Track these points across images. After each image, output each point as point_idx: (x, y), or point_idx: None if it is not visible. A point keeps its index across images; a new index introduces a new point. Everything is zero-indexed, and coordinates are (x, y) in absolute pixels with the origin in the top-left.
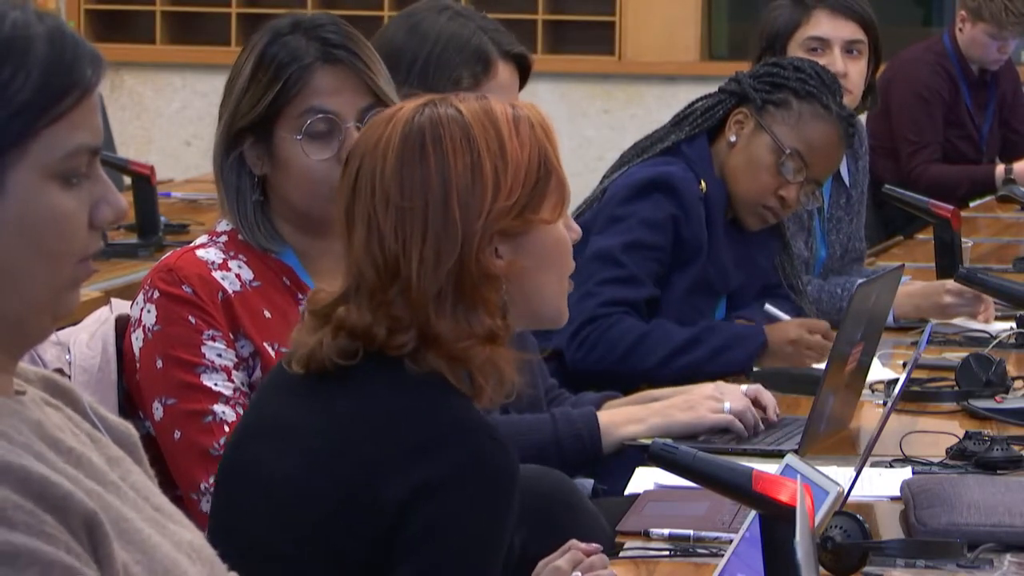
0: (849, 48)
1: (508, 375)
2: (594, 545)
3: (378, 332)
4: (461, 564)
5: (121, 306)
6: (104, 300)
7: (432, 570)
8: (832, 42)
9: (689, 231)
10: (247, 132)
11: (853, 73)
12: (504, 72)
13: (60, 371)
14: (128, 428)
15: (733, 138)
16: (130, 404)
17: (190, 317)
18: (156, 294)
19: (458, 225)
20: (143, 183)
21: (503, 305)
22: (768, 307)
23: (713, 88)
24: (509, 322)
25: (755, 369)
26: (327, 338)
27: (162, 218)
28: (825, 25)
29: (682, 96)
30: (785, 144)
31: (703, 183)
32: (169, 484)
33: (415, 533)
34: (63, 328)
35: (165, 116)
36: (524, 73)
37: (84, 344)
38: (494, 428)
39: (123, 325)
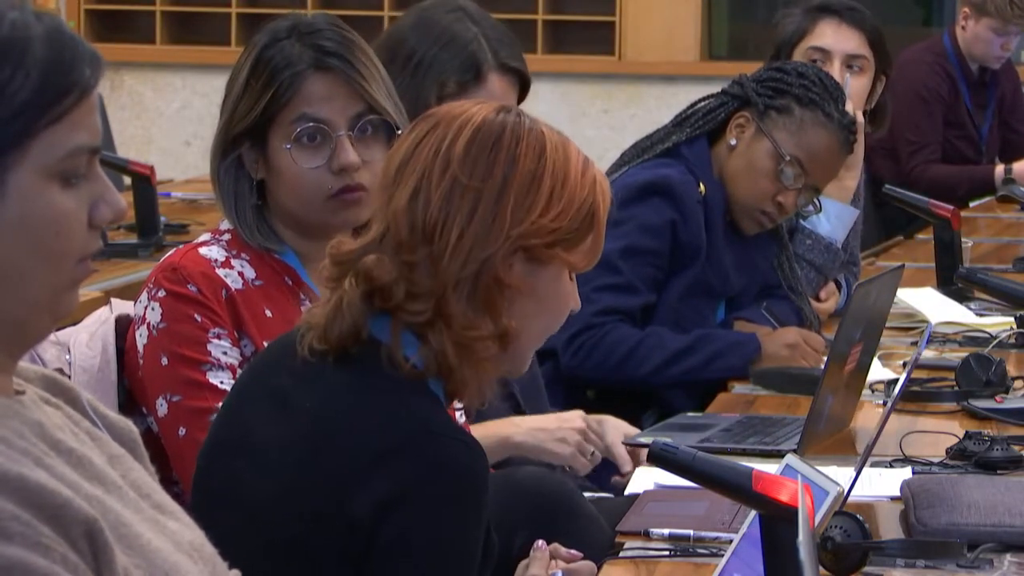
0: (850, 63)
1: (489, 387)
2: (574, 552)
3: (397, 291)
4: (436, 570)
5: (121, 306)
6: (104, 300)
7: None
8: (833, 54)
9: (688, 235)
10: (243, 137)
11: (852, 90)
12: (496, 84)
13: (60, 371)
14: (128, 425)
15: (733, 141)
16: (131, 403)
17: (196, 315)
18: (161, 293)
19: (505, 222)
20: (143, 183)
21: (505, 320)
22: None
23: (713, 88)
24: (512, 335)
25: (754, 370)
26: (350, 288)
27: (162, 218)
28: (829, 36)
29: (682, 96)
30: (785, 151)
31: (702, 186)
32: (168, 481)
33: (388, 543)
34: (63, 328)
35: (165, 116)
36: (523, 87)
37: (84, 344)
38: (460, 429)
39: (123, 325)
